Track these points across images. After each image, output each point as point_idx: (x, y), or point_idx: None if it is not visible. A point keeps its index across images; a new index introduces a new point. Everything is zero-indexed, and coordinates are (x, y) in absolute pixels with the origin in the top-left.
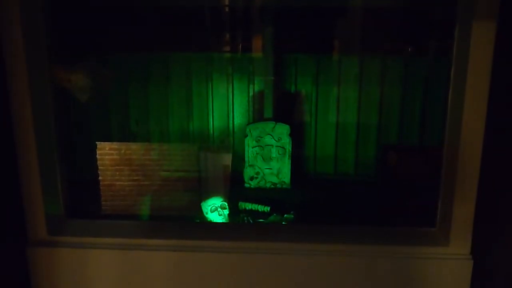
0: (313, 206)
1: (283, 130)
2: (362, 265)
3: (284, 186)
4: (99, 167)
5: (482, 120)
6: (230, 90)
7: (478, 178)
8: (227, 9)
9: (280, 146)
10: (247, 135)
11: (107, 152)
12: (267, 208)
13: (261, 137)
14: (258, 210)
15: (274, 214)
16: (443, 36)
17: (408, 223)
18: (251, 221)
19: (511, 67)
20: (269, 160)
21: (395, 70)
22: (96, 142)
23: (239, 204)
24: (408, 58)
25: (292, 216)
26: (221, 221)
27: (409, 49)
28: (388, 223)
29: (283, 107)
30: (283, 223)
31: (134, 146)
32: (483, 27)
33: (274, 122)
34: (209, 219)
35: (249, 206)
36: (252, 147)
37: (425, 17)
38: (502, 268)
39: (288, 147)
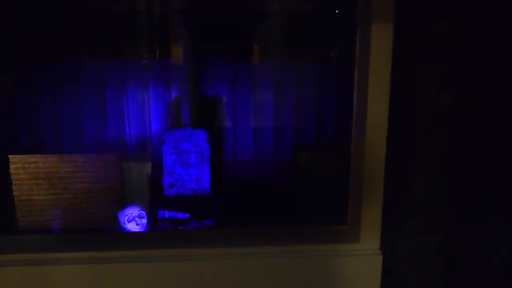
0: (232, 210)
1: (201, 136)
2: (277, 265)
3: (204, 192)
4: (14, 182)
5: (384, 120)
6: (146, 96)
7: (384, 176)
8: (143, 14)
9: (198, 152)
10: (165, 142)
11: (23, 165)
12: (186, 215)
13: (179, 144)
14: (177, 218)
15: (194, 221)
16: (351, 39)
17: (322, 222)
18: (170, 229)
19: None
20: (188, 166)
21: (310, 73)
22: (9, 155)
23: (158, 212)
24: (322, 61)
25: (212, 221)
26: (139, 230)
27: (329, 53)
28: (303, 222)
29: (201, 113)
30: (203, 229)
31: (51, 158)
32: (381, 29)
33: (191, 128)
34: (126, 229)
35: (168, 214)
36: (170, 154)
37: (336, 20)
38: (408, 259)
39: (207, 153)
